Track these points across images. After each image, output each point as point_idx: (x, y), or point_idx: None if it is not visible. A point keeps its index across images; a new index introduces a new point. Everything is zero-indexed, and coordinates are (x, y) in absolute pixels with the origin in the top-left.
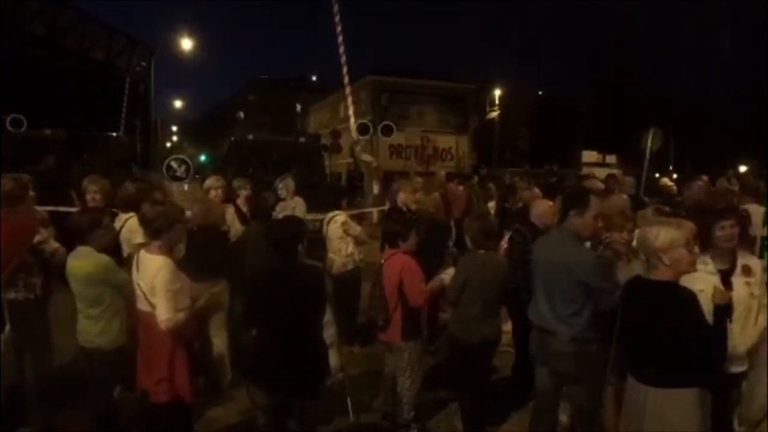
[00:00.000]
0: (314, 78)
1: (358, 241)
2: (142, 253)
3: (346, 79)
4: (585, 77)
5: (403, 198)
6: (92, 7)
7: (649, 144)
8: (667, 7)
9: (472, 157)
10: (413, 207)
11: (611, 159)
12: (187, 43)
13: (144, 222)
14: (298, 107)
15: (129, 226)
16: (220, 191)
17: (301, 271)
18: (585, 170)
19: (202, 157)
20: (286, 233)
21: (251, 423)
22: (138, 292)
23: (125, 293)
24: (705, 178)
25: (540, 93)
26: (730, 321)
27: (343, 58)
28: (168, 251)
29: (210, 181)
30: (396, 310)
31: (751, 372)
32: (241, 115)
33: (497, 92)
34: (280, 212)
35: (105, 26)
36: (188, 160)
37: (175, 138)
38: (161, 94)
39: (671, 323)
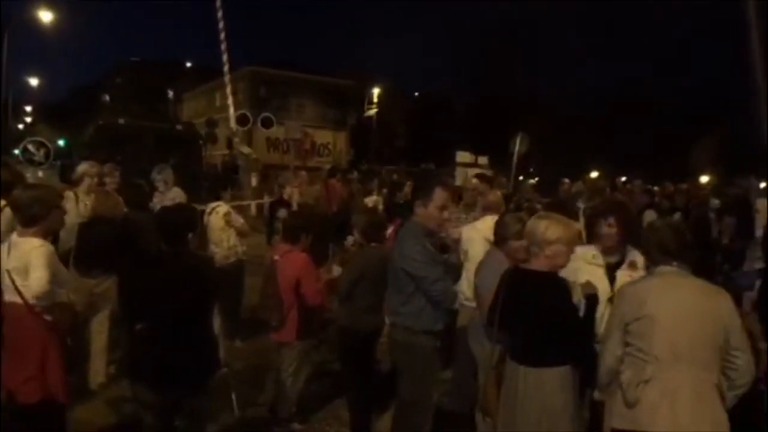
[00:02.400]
0: (189, 64)
1: (240, 233)
2: (14, 237)
3: (226, 68)
4: (459, 81)
5: (289, 192)
6: None
7: (517, 147)
8: (546, 14)
9: (349, 153)
10: (297, 201)
11: (483, 160)
12: (46, 15)
13: (17, 208)
14: (171, 93)
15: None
16: (95, 178)
17: (191, 261)
18: (459, 170)
19: (61, 142)
20: (178, 221)
21: (127, 423)
22: (6, 281)
23: None
24: (567, 180)
25: (416, 93)
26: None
27: (224, 46)
28: (45, 239)
29: (84, 167)
30: (292, 309)
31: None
32: (107, 98)
33: (376, 90)
34: (158, 204)
35: None
36: (48, 144)
37: (29, 119)
38: (14, 69)
39: (547, 309)
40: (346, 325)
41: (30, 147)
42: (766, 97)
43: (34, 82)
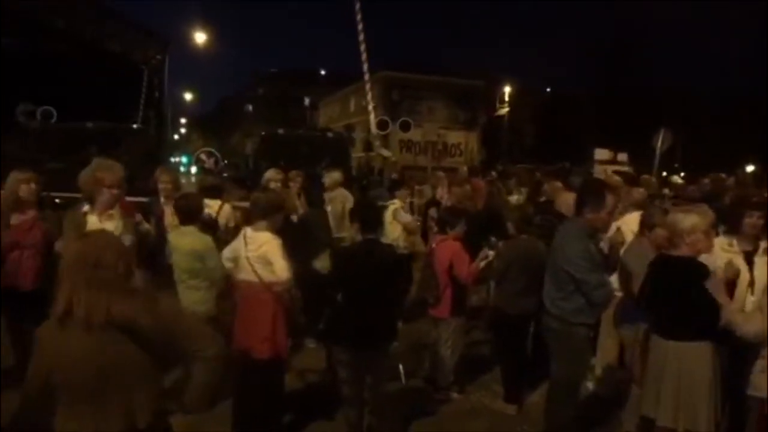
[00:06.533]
0: (323, 72)
1: (407, 229)
2: (249, 231)
3: (367, 76)
4: (594, 75)
5: (441, 192)
6: None
7: (659, 143)
8: (677, 6)
9: (480, 153)
10: (449, 200)
11: (623, 157)
12: (200, 37)
13: (255, 205)
14: (307, 101)
15: (224, 213)
16: (279, 183)
17: (382, 248)
18: (598, 168)
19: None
20: (371, 216)
21: (311, 390)
22: (245, 264)
23: (220, 268)
24: (706, 181)
25: (548, 90)
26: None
27: (364, 56)
28: (273, 231)
29: (270, 174)
30: (446, 289)
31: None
32: (250, 108)
33: (507, 89)
34: (329, 202)
35: (121, 18)
36: (216, 153)
37: (183, 130)
38: (172, 86)
39: (689, 290)
40: (499, 306)
41: (202, 156)
42: None
43: (188, 96)
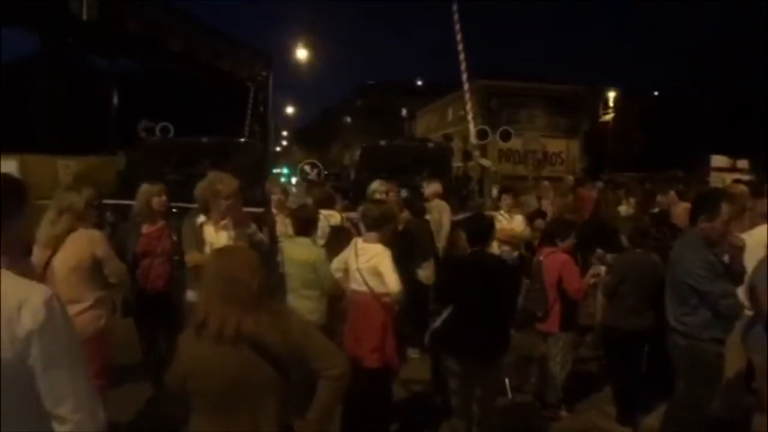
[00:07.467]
0: (420, 83)
1: (500, 239)
2: (360, 242)
3: (466, 86)
4: (707, 76)
5: (546, 203)
6: (216, 18)
7: None
8: None
9: (582, 161)
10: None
11: (743, 164)
12: (302, 53)
13: (366, 216)
14: (404, 112)
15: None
16: (384, 195)
17: (492, 259)
18: (714, 176)
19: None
20: (482, 227)
21: (413, 399)
22: (356, 275)
23: (330, 278)
24: None
25: (656, 93)
26: None
27: (464, 65)
28: (384, 242)
29: (375, 185)
30: (555, 303)
31: None
32: (349, 119)
33: (611, 94)
34: (429, 212)
35: (230, 38)
36: (319, 164)
37: (284, 143)
38: (275, 101)
39: None
40: (609, 323)
41: (306, 168)
42: None
43: (289, 110)
